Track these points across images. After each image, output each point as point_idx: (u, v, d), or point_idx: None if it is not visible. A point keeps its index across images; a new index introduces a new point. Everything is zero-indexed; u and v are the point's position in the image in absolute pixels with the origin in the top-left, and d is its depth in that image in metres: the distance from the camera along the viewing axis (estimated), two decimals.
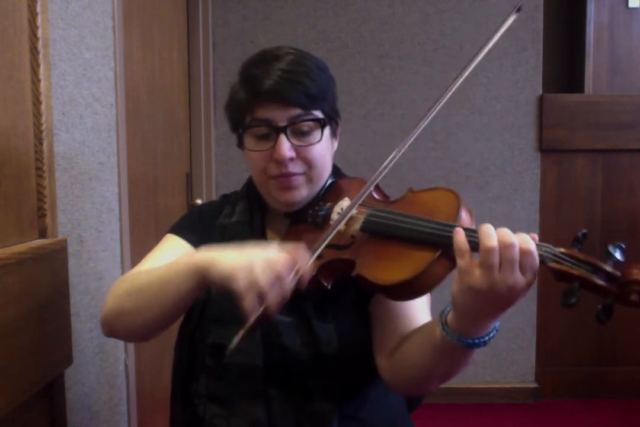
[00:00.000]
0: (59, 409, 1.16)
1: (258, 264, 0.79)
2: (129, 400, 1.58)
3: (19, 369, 0.97)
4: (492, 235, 0.75)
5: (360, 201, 0.95)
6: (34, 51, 1.06)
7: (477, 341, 0.80)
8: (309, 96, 0.99)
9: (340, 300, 1.01)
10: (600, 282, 0.72)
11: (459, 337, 0.80)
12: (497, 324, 0.82)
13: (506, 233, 0.75)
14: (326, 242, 0.90)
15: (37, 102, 1.07)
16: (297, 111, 0.99)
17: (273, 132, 0.99)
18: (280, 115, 0.99)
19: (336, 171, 1.14)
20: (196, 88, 2.55)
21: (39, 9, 1.06)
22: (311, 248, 0.90)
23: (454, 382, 2.95)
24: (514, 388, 2.91)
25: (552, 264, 0.75)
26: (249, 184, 1.15)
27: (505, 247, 0.74)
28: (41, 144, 1.08)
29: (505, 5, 2.80)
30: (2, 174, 0.97)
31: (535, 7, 2.80)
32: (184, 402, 1.06)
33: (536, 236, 0.77)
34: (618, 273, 0.72)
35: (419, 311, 1.00)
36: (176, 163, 2.30)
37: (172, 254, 1.04)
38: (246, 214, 1.10)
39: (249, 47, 2.78)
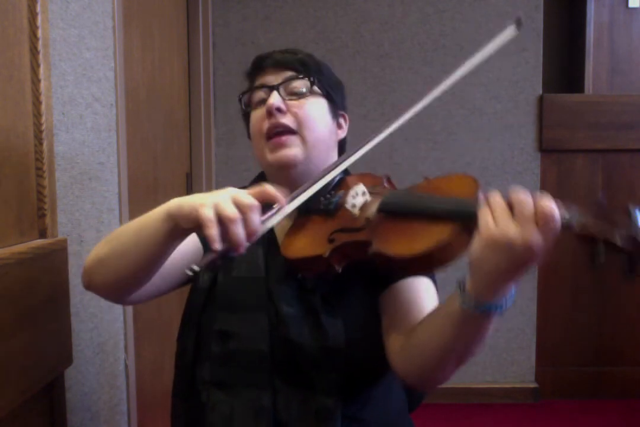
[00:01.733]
0: (59, 409, 1.16)
1: (223, 196, 0.80)
2: (129, 400, 1.58)
3: (19, 369, 0.97)
4: (499, 198, 0.76)
5: (352, 159, 0.99)
6: (34, 51, 1.06)
7: (494, 306, 0.79)
8: (302, 63, 1.05)
9: (348, 295, 1.01)
10: (622, 241, 0.72)
11: (477, 302, 0.79)
12: (513, 292, 0.81)
13: (516, 190, 0.76)
14: (309, 192, 0.91)
15: (37, 102, 1.07)
16: (290, 73, 1.04)
17: (268, 92, 1.04)
18: (275, 78, 1.05)
19: (346, 171, 1.13)
20: (196, 88, 2.55)
21: (39, 9, 1.06)
22: (321, 238, 0.91)
23: (454, 382, 2.95)
24: (514, 388, 2.91)
25: (576, 230, 0.74)
26: (259, 177, 1.17)
27: (518, 202, 0.75)
28: (41, 144, 1.08)
29: (505, 5, 2.81)
30: (2, 174, 0.97)
31: (535, 7, 2.80)
32: (187, 391, 1.05)
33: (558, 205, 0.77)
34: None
35: (430, 299, 1.00)
36: (176, 163, 2.30)
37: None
38: None
39: (249, 47, 2.79)
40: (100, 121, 1.39)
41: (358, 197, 0.97)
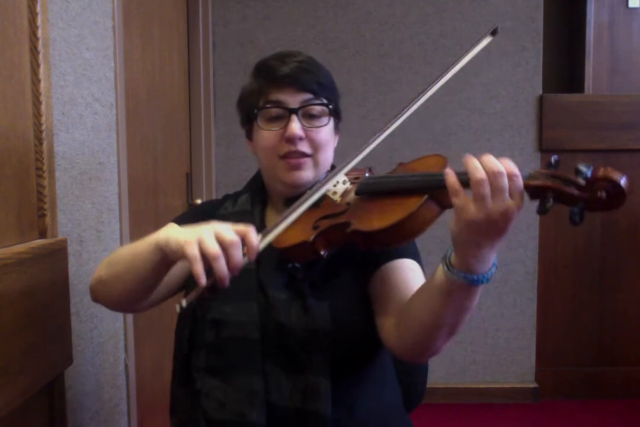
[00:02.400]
0: (59, 409, 1.16)
1: (208, 235, 0.84)
2: (129, 400, 1.58)
3: (19, 369, 0.97)
4: (479, 167, 0.79)
5: (351, 165, 1.01)
6: (34, 51, 1.06)
7: (481, 276, 0.83)
8: (319, 84, 1.09)
9: (336, 281, 1.07)
10: (572, 190, 0.78)
11: (464, 274, 0.83)
12: (495, 260, 0.85)
13: (491, 162, 0.79)
14: (298, 212, 0.95)
15: (37, 102, 1.07)
16: (308, 96, 1.08)
17: (286, 113, 1.07)
18: (293, 98, 1.07)
19: (332, 168, 1.17)
20: (196, 88, 2.55)
21: (39, 9, 1.06)
22: (307, 226, 0.96)
23: (454, 382, 2.95)
24: (514, 388, 2.91)
25: (529, 182, 0.80)
26: (254, 179, 1.22)
27: (494, 176, 0.78)
28: (41, 144, 1.08)
29: (505, 5, 2.81)
30: (2, 174, 0.97)
31: (535, 7, 2.81)
32: (183, 377, 1.09)
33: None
34: (585, 181, 0.78)
35: (417, 277, 1.05)
36: (176, 163, 2.30)
37: None
38: (248, 204, 1.16)
39: (249, 47, 2.79)
40: (100, 121, 1.39)
41: (339, 185, 1.04)
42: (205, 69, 2.63)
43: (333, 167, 1.17)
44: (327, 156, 1.12)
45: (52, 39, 1.14)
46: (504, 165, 0.78)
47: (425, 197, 0.87)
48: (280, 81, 1.07)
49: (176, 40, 2.32)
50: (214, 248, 0.82)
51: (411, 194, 0.89)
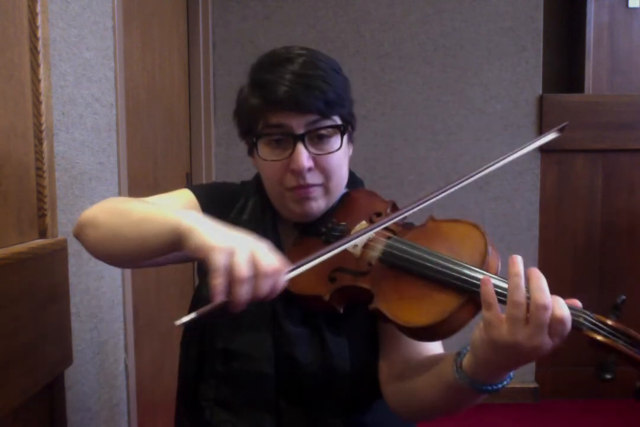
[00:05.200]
0: (59, 409, 1.16)
1: (244, 251, 0.72)
2: (129, 400, 1.58)
3: (19, 369, 0.97)
4: (520, 288, 0.70)
5: (371, 231, 0.88)
6: (34, 51, 1.06)
7: (490, 387, 0.78)
8: (327, 102, 0.93)
9: (353, 317, 0.97)
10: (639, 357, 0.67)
11: (472, 382, 0.78)
12: (512, 373, 0.79)
13: (540, 289, 0.70)
14: (316, 261, 0.82)
15: (37, 102, 1.07)
16: (314, 117, 0.93)
17: (290, 140, 0.93)
18: (297, 122, 0.93)
19: (351, 176, 1.08)
20: (196, 88, 2.55)
21: (39, 9, 1.06)
22: (322, 275, 0.88)
23: None
24: (514, 388, 2.90)
25: (589, 333, 0.71)
26: (259, 182, 1.07)
27: (537, 309, 0.69)
28: (41, 144, 1.08)
29: (506, 5, 2.80)
30: (2, 174, 0.97)
31: (535, 7, 2.80)
32: (190, 404, 1.04)
33: (577, 302, 0.73)
34: None
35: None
36: (176, 163, 2.30)
37: (180, 206, 1.00)
38: (257, 212, 1.04)
39: (249, 47, 2.79)
40: (100, 121, 1.39)
41: (363, 239, 0.91)
42: (205, 69, 2.63)
43: (352, 181, 1.07)
44: (340, 180, 1.00)
45: (52, 39, 1.14)
46: (555, 303, 0.69)
47: (464, 299, 0.78)
48: (281, 104, 0.92)
49: (176, 40, 2.32)
50: (245, 270, 0.71)
51: (447, 289, 0.79)
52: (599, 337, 0.70)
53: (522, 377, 2.92)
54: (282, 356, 0.96)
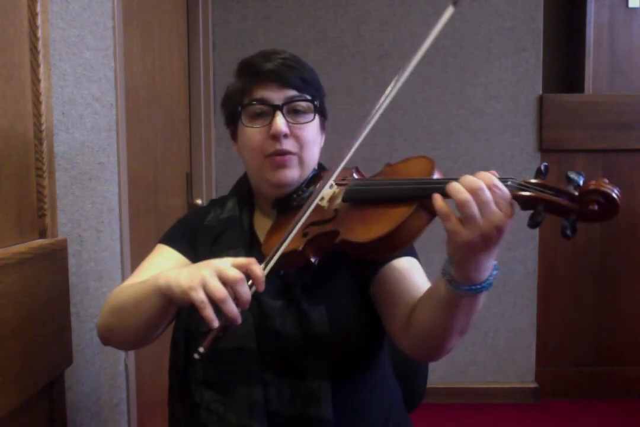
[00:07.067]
0: (59, 409, 1.16)
1: (211, 276, 0.82)
2: (129, 400, 1.58)
3: (19, 369, 0.97)
4: (460, 189, 0.77)
5: (336, 173, 0.97)
6: (34, 51, 1.06)
7: (483, 284, 0.83)
8: (304, 80, 1.07)
9: (330, 284, 1.05)
10: (563, 202, 0.76)
11: (468, 286, 0.82)
12: (495, 263, 0.84)
13: (469, 180, 0.78)
14: (292, 233, 0.92)
15: (37, 102, 1.07)
16: (292, 92, 1.06)
17: (270, 110, 1.06)
18: (277, 95, 1.06)
19: (319, 166, 1.17)
20: (196, 88, 2.55)
21: (39, 9, 1.06)
22: (297, 233, 0.93)
23: (454, 382, 2.95)
24: (514, 388, 2.91)
25: (518, 193, 0.78)
26: (240, 183, 1.22)
27: (475, 193, 0.76)
28: (41, 144, 1.08)
29: (506, 5, 2.81)
30: (2, 174, 0.97)
31: (535, 7, 2.81)
32: (181, 392, 1.07)
33: (495, 173, 0.80)
34: (577, 192, 0.76)
35: (419, 279, 1.04)
36: (176, 163, 2.30)
37: (163, 264, 1.09)
38: (235, 210, 1.15)
39: (249, 47, 2.79)
40: (100, 121, 1.39)
41: (326, 189, 1.01)
42: (205, 69, 2.63)
43: (320, 165, 1.16)
44: (313, 154, 1.10)
45: (52, 39, 1.14)
46: (482, 178, 0.77)
47: (414, 206, 0.84)
48: (264, 77, 1.06)
49: (176, 40, 2.32)
50: (219, 291, 0.80)
51: (399, 202, 0.86)
52: (525, 193, 0.77)
53: (522, 377, 2.92)
54: (263, 329, 1.02)
